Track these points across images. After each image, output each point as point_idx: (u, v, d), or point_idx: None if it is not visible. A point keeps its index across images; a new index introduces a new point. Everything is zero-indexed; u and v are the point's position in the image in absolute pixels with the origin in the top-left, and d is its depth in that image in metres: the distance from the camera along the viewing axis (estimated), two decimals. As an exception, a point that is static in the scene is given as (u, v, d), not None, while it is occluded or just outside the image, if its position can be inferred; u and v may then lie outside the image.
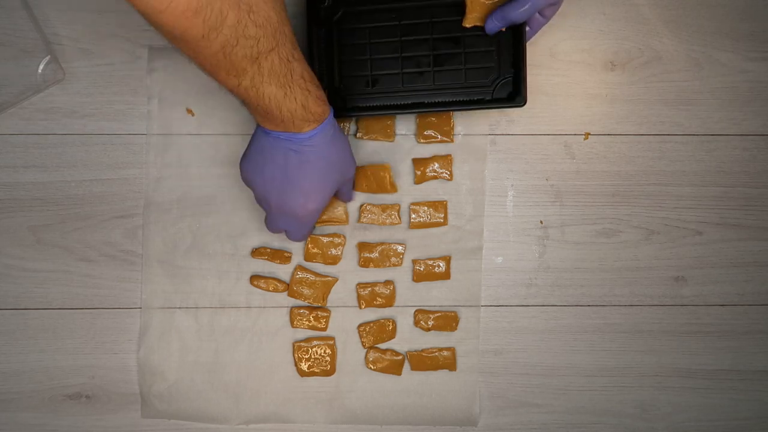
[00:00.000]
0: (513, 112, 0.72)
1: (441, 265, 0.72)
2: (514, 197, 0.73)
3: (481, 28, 0.65)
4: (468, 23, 0.65)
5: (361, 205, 0.72)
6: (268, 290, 0.72)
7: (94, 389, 0.72)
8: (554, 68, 0.72)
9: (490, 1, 0.64)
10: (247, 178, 0.64)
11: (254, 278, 0.72)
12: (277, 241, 0.72)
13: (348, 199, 0.70)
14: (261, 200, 0.64)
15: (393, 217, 0.71)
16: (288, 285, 0.72)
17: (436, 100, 0.67)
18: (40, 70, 0.71)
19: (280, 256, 0.72)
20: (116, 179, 0.72)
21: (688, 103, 0.73)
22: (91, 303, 0.72)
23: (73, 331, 0.72)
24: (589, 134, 0.73)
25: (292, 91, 0.55)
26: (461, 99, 0.67)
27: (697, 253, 0.73)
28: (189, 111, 0.72)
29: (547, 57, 0.72)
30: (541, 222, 0.73)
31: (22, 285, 0.72)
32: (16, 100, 0.71)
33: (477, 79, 0.67)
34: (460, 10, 0.65)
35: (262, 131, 0.60)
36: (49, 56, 0.70)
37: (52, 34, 0.71)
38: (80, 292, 0.72)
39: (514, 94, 0.66)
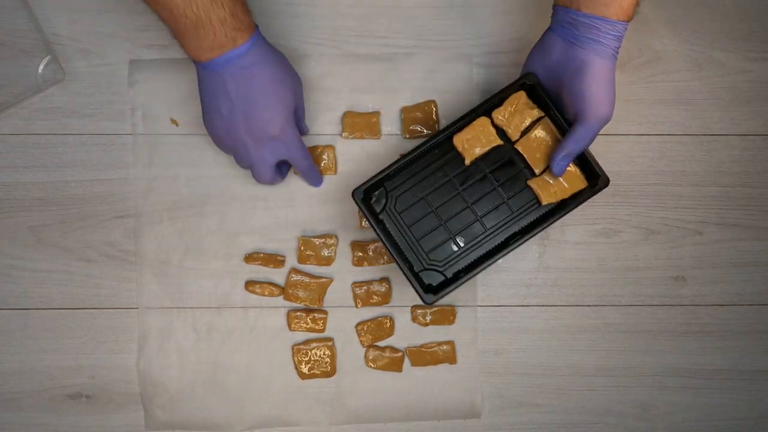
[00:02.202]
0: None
1: None
2: (514, 197, 0.73)
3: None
4: (547, 201, 0.65)
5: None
6: (264, 295, 0.72)
7: (94, 389, 0.72)
8: (554, 68, 0.72)
9: (553, 180, 0.64)
10: (214, 134, 0.63)
11: (249, 284, 0.72)
12: (270, 244, 0.72)
13: (304, 130, 0.69)
14: (235, 146, 0.64)
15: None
16: (283, 289, 0.72)
17: (526, 223, 0.66)
18: (40, 70, 0.71)
19: (273, 260, 0.72)
20: (116, 179, 0.72)
21: (688, 103, 0.73)
22: (91, 303, 0.72)
23: (73, 331, 0.72)
24: (589, 134, 0.73)
25: None
26: (549, 208, 0.66)
27: (697, 253, 0.73)
28: (173, 121, 0.72)
29: (548, 57, 0.72)
30: (541, 222, 0.73)
31: (22, 285, 0.72)
32: (16, 100, 0.71)
33: None
34: (499, 135, 0.65)
35: (203, 71, 0.60)
36: (49, 56, 0.70)
37: (52, 34, 0.71)
38: (80, 292, 0.72)
39: (593, 178, 0.64)
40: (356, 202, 0.64)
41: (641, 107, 0.73)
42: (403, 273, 0.63)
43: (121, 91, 0.72)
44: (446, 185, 0.67)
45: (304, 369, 0.72)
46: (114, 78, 0.72)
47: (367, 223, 0.71)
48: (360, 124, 0.72)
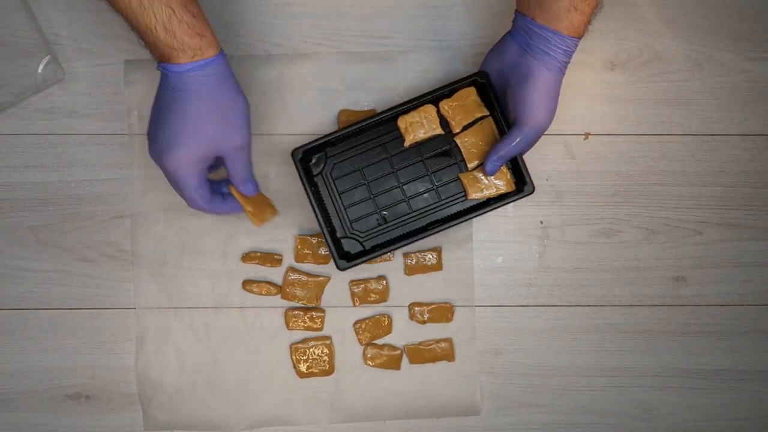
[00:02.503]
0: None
1: (432, 256, 0.72)
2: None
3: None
4: (473, 196, 0.67)
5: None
6: (261, 294, 0.72)
7: (94, 389, 0.72)
8: (554, 68, 0.72)
9: (484, 178, 0.67)
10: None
11: (246, 283, 0.72)
12: (267, 244, 0.72)
13: (249, 190, 0.63)
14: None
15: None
16: (281, 288, 0.72)
17: (451, 213, 0.68)
18: (40, 70, 0.71)
19: (270, 259, 0.72)
20: (116, 179, 0.72)
21: (688, 103, 0.73)
22: (91, 303, 0.72)
23: (73, 331, 0.72)
24: (589, 134, 0.73)
25: (150, 2, 0.53)
26: (473, 204, 0.68)
27: (697, 253, 0.73)
28: None
29: (547, 57, 0.72)
30: (541, 222, 0.73)
31: (22, 285, 0.72)
32: (16, 100, 0.71)
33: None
34: (442, 125, 0.67)
35: (159, 68, 0.57)
36: (49, 56, 0.70)
37: (52, 34, 0.71)
38: (80, 292, 0.72)
39: (520, 183, 0.66)
40: (294, 161, 0.65)
41: (641, 107, 0.73)
42: (324, 235, 0.66)
43: (120, 91, 0.72)
44: (383, 162, 0.68)
45: (303, 368, 0.72)
46: (113, 78, 0.72)
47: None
48: (355, 122, 0.72)
